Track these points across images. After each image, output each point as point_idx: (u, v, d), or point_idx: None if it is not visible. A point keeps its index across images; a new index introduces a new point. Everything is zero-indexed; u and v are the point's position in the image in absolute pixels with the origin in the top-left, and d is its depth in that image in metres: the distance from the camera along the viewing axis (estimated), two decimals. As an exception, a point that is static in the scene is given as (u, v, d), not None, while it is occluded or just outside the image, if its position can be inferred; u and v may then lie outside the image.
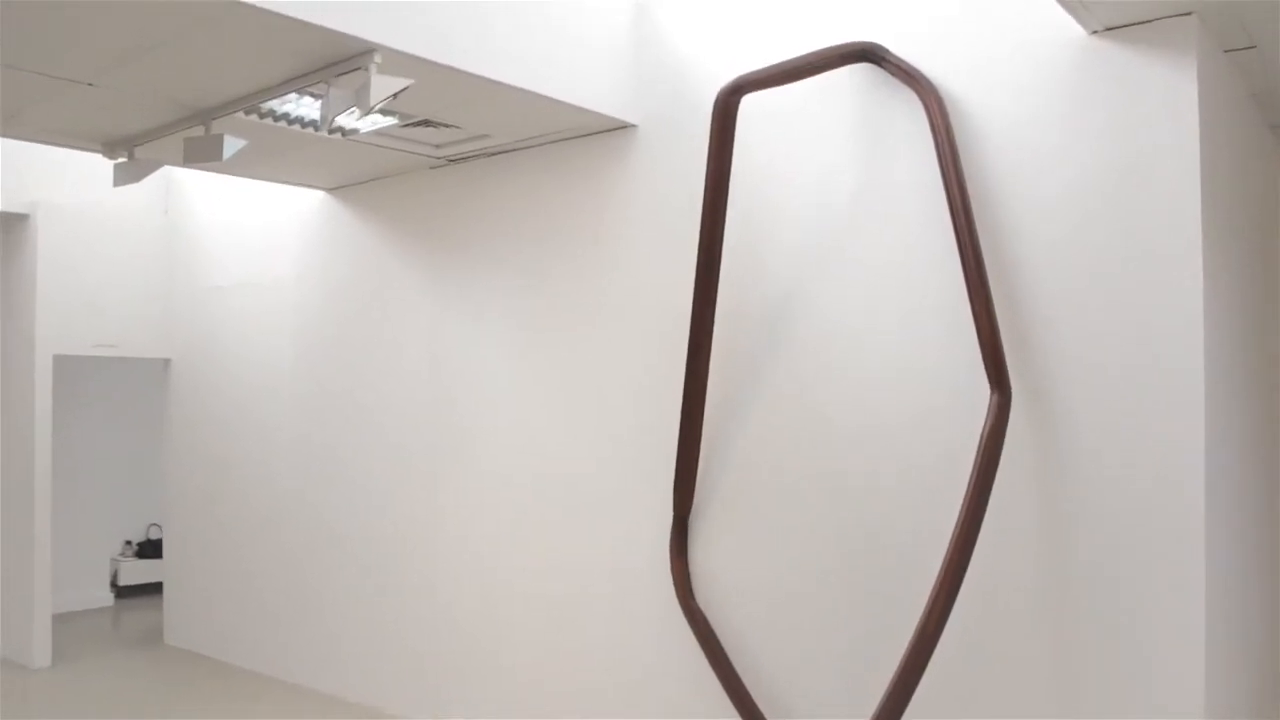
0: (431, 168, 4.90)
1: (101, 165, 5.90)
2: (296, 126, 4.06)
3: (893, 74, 3.34)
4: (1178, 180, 2.83)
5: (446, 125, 4.22)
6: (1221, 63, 3.10)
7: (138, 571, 7.73)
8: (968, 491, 2.95)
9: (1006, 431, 3.00)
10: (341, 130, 4.16)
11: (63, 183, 5.84)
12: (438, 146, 4.61)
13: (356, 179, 5.21)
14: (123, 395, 7.72)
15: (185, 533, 6.35)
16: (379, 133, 4.28)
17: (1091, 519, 2.93)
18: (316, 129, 4.07)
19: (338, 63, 3.28)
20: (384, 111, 3.96)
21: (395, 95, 3.16)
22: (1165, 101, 2.86)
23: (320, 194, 5.47)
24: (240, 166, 4.93)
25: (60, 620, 6.99)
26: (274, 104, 3.76)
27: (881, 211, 3.40)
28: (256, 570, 5.78)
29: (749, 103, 3.62)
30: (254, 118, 3.87)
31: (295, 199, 5.56)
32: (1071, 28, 3.02)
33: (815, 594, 3.50)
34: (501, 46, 3.53)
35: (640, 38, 4.06)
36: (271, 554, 5.68)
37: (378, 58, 3.17)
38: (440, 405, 4.80)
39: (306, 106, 3.85)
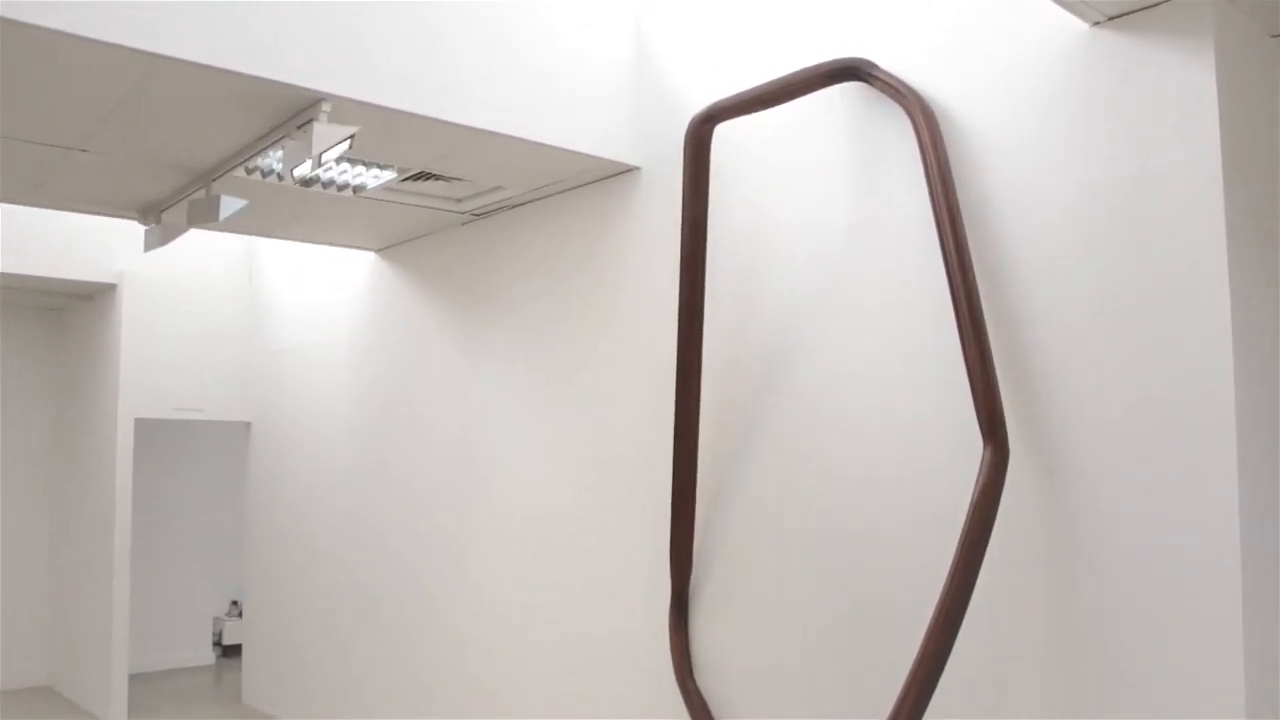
0: (463, 224, 4.82)
1: (186, 236, 6.17)
2: (290, 182, 4.04)
3: (882, 91, 2.99)
4: (1196, 191, 2.35)
5: (451, 178, 4.12)
6: (1268, 50, 2.60)
7: (241, 631, 7.88)
8: (953, 566, 2.50)
9: (1002, 492, 2.55)
10: (353, 187, 4.12)
11: (153, 254, 6.10)
12: (459, 201, 4.53)
13: (399, 238, 5.19)
14: (230, 457, 7.99)
15: (262, 593, 6.41)
16: (388, 189, 4.22)
17: (1108, 592, 2.42)
18: (325, 186, 4.05)
19: (298, 114, 3.22)
20: (379, 165, 3.90)
21: (341, 143, 3.05)
22: (1181, 98, 2.40)
23: (371, 255, 5.48)
24: (280, 228, 5.00)
25: (158, 677, 7.20)
26: (268, 161, 3.75)
27: (878, 245, 3.02)
28: (319, 633, 5.74)
29: (737, 135, 3.34)
30: (255, 176, 3.87)
31: (353, 261, 5.60)
32: (1071, 22, 2.61)
33: (819, 670, 3.08)
34: (474, 91, 3.39)
35: (638, 76, 3.84)
36: (331, 617, 5.64)
37: (326, 106, 3.08)
38: (468, 468, 4.64)
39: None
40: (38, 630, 6.87)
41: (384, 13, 3.19)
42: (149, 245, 4.38)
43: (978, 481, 2.54)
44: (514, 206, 4.48)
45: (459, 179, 4.14)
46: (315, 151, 3.01)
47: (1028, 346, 2.65)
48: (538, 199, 4.34)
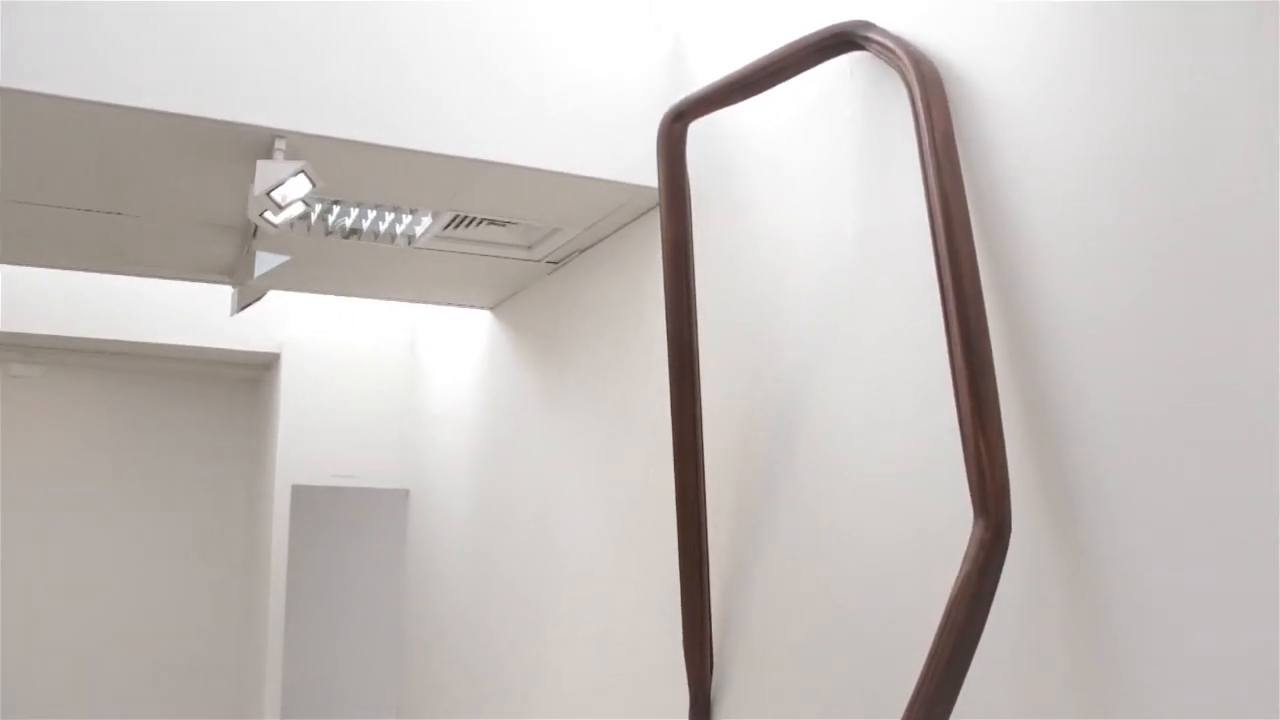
0: (548, 274, 4.48)
1: (350, 305, 6.31)
2: (338, 235, 3.89)
3: (879, 55, 2.33)
4: (1251, 148, 1.54)
5: (503, 221, 3.82)
6: None
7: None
8: (920, 679, 1.76)
9: (997, 578, 1.78)
10: (405, 236, 3.92)
11: (317, 322, 6.28)
12: (529, 249, 4.21)
13: (502, 294, 4.94)
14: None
15: (416, 665, 6.29)
16: (444, 238, 3.98)
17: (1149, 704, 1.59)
18: (371, 237, 3.88)
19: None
20: (399, 209, 3.67)
21: (291, 179, 2.80)
22: (1231, 25, 1.60)
23: (487, 314, 5.28)
24: (377, 287, 4.95)
25: (336, 744, 7.27)
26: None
27: (891, 255, 2.33)
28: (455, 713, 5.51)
29: (730, 133, 2.76)
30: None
31: (474, 321, 5.44)
32: (1092, -80, 1.87)
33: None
34: (455, 118, 3.05)
35: (673, 92, 3.34)
36: (467, 699, 5.38)
37: (280, 144, 2.86)
38: (543, 544, 4.23)
39: (341, 214, 3.67)
40: (224, 694, 7.14)
41: (341, 41, 2.94)
42: (233, 309, 4.39)
43: (962, 566, 1.79)
44: (584, 249, 4.09)
45: (509, 222, 3.83)
46: (259, 191, 2.78)
47: (1053, 373, 1.87)
48: (601, 239, 3.93)
